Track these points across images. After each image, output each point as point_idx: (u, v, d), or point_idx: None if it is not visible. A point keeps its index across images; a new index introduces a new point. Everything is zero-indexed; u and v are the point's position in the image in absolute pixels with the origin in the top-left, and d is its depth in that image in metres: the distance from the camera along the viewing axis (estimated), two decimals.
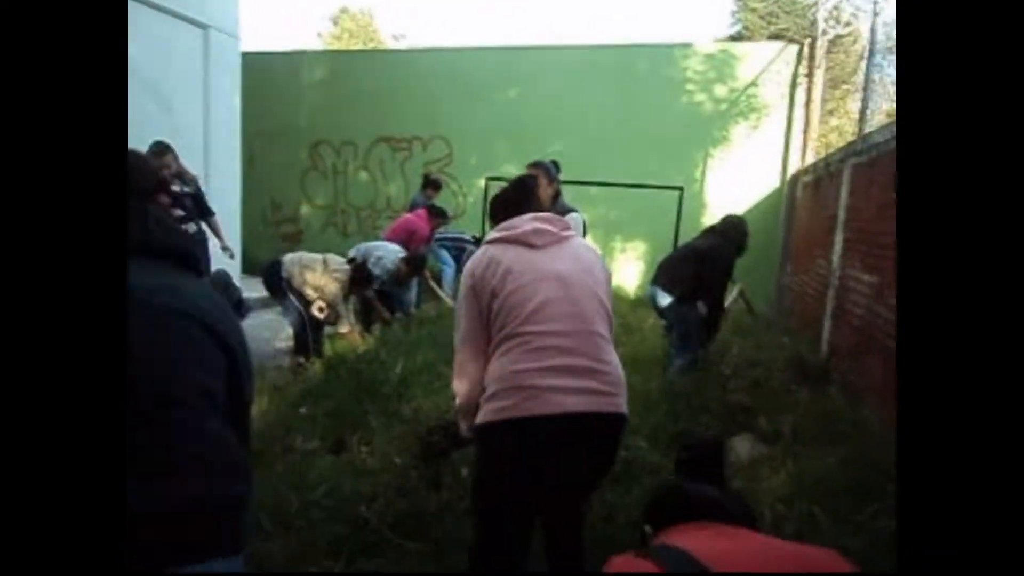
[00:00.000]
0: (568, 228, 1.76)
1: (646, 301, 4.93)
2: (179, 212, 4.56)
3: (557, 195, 3.48)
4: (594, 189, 8.06)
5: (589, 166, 8.00)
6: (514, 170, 9.37)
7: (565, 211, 3.50)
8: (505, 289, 1.58)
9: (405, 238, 5.50)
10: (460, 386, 1.68)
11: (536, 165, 3.33)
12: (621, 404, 1.61)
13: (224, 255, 4.76)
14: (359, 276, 4.65)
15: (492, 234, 1.74)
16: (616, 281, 8.40)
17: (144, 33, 5.73)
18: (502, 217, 1.76)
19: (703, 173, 8.08)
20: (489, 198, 2.05)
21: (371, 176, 9.41)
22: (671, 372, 3.94)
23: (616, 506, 2.39)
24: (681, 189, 6.32)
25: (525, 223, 1.69)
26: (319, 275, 4.47)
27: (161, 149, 4.41)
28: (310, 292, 4.42)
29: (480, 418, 1.59)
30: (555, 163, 3.54)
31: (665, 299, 4.00)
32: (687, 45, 8.10)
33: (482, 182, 7.54)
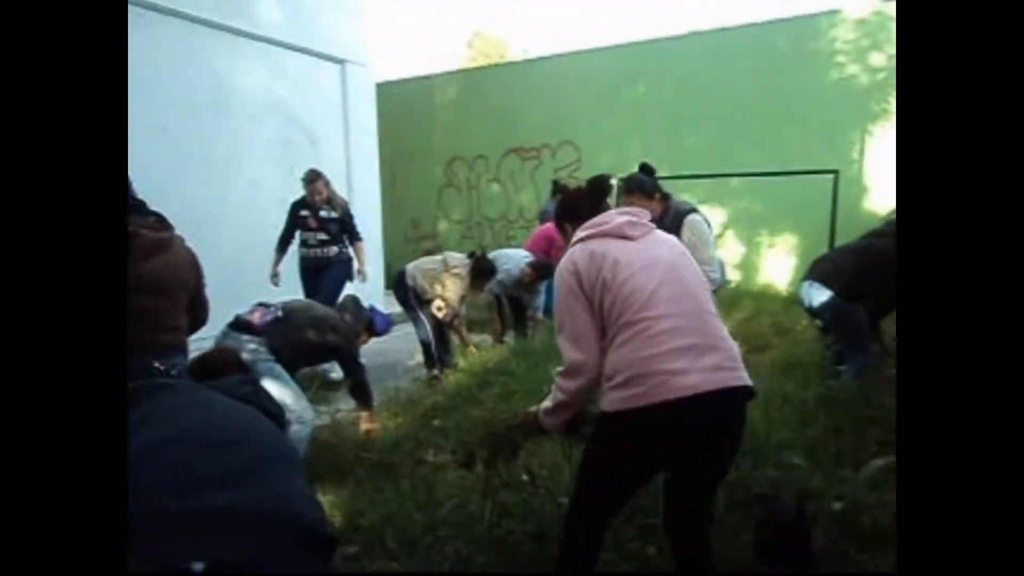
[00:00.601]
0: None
1: (797, 300, 4.41)
2: (322, 236, 4.87)
3: (665, 199, 3.26)
4: (735, 181, 7.53)
5: (729, 157, 7.48)
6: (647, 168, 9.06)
7: (682, 213, 3.23)
8: (618, 279, 1.61)
9: (545, 247, 5.45)
10: (571, 384, 1.70)
11: (627, 181, 3.23)
12: (746, 377, 1.65)
13: (358, 278, 5.02)
14: (480, 269, 4.66)
15: (582, 231, 1.74)
16: (765, 279, 7.76)
17: (288, 72, 6.23)
18: (576, 216, 1.80)
19: (861, 153, 7.20)
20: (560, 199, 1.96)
21: (503, 188, 9.54)
22: (845, 377, 3.41)
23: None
24: (836, 172, 5.65)
25: (615, 217, 1.72)
26: (440, 275, 4.54)
27: (312, 176, 4.78)
28: (433, 293, 4.50)
29: (610, 406, 1.61)
30: (645, 167, 3.29)
31: (821, 295, 3.50)
32: (834, 12, 7.28)
33: (615, 181, 7.31)
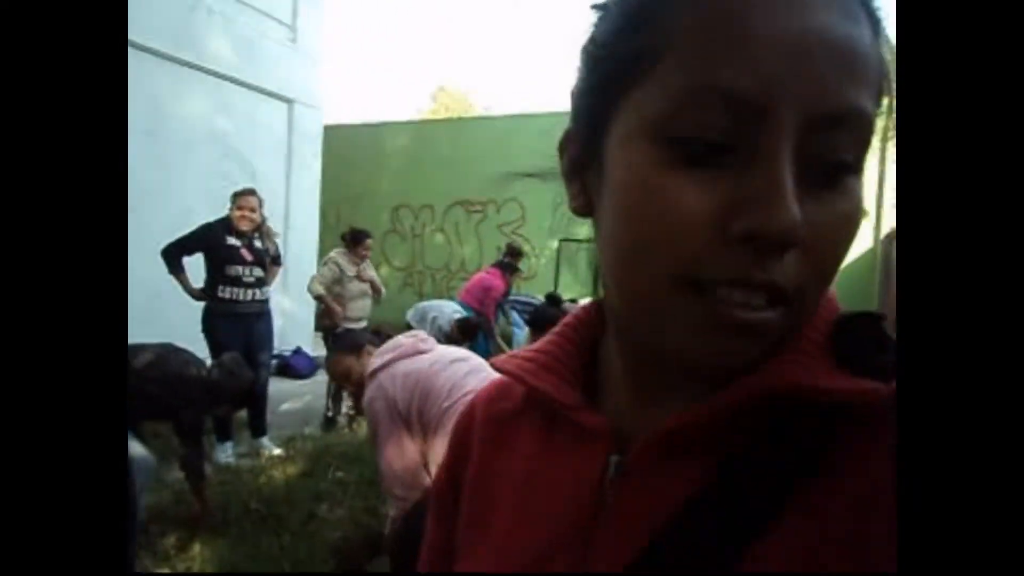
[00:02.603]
0: None
1: None
2: (259, 272, 3.89)
3: None
4: None
5: None
6: (587, 231, 9.24)
7: None
8: None
9: (481, 296, 5.40)
10: None
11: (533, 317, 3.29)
12: None
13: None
14: (465, 328, 4.72)
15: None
16: None
17: (233, 107, 6.18)
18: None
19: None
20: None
21: (447, 238, 9.58)
22: None
23: None
24: None
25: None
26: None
27: (247, 191, 3.94)
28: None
29: None
30: (552, 298, 3.32)
31: None
32: None
33: (555, 243, 7.44)
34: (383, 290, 4.77)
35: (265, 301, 3.98)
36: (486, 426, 0.49)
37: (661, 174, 0.32)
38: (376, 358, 1.76)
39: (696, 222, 0.31)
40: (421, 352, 1.77)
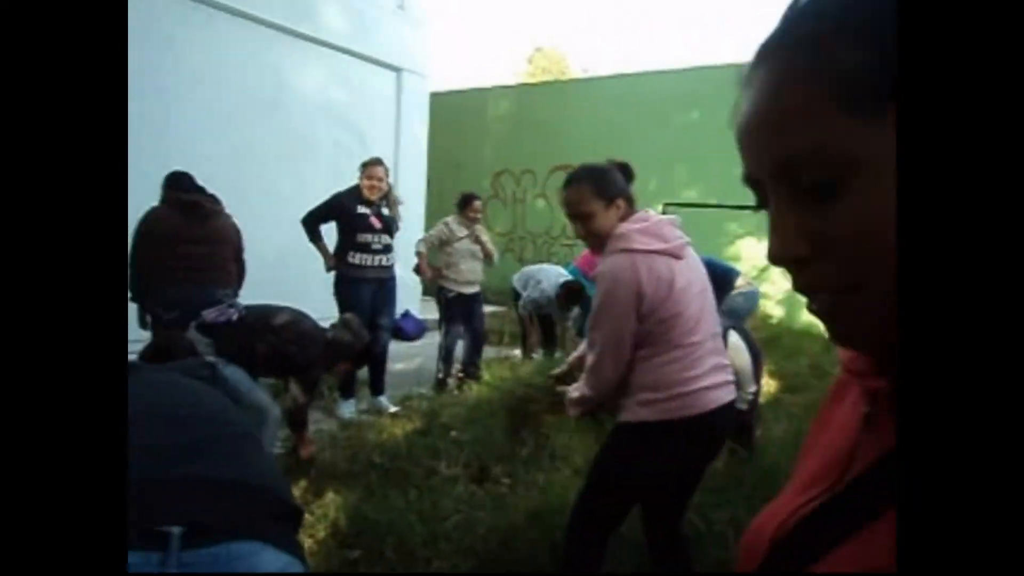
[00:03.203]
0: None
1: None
2: (387, 239, 4.05)
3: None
4: None
5: None
6: (694, 195, 8.94)
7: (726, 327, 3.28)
8: (675, 306, 1.70)
9: (595, 263, 5.40)
10: (601, 384, 1.76)
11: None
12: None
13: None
14: (570, 291, 4.77)
15: (641, 240, 1.71)
16: (808, 318, 7.50)
17: (345, 76, 6.39)
18: (625, 196, 1.81)
19: None
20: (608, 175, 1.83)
21: (548, 204, 9.54)
22: None
23: None
24: None
25: (669, 231, 1.77)
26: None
27: (375, 160, 4.06)
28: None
29: (646, 417, 1.71)
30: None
31: None
32: None
33: (660, 208, 7.23)
34: (494, 254, 4.81)
35: (391, 267, 4.14)
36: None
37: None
38: (647, 239, 1.71)
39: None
40: (679, 258, 1.75)
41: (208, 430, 1.17)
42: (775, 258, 0.43)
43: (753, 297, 4.76)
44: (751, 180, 0.46)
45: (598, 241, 1.75)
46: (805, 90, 0.39)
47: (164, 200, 3.30)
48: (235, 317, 2.88)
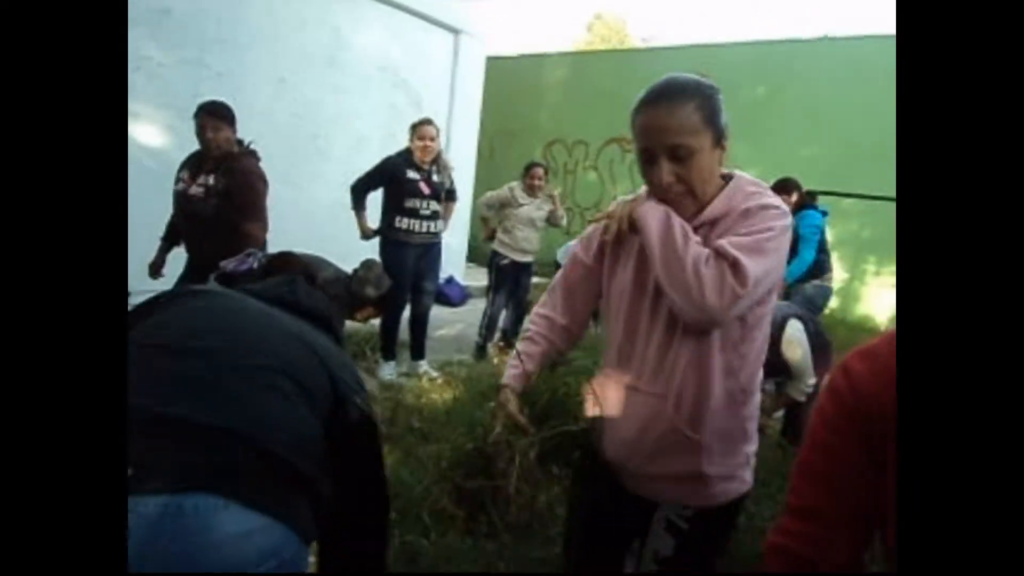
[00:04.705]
0: None
1: None
2: (435, 206, 4.02)
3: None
4: (848, 201, 7.03)
5: (846, 175, 6.99)
6: (756, 174, 8.61)
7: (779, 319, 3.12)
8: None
9: None
10: None
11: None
12: None
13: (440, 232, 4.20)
14: None
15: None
16: (864, 309, 7.24)
17: (402, 36, 6.33)
18: None
19: None
20: None
21: (599, 176, 9.36)
22: None
23: None
24: None
25: None
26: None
27: (426, 120, 4.01)
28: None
29: (750, 479, 1.30)
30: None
31: None
32: None
33: None
34: (563, 217, 4.85)
35: (437, 233, 4.11)
36: None
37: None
38: None
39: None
40: None
41: (217, 366, 1.04)
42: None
43: (828, 292, 4.61)
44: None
45: (688, 192, 1.17)
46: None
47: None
48: (255, 265, 2.83)
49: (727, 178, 1.22)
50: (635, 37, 25.49)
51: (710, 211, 1.18)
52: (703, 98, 1.15)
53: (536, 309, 1.44)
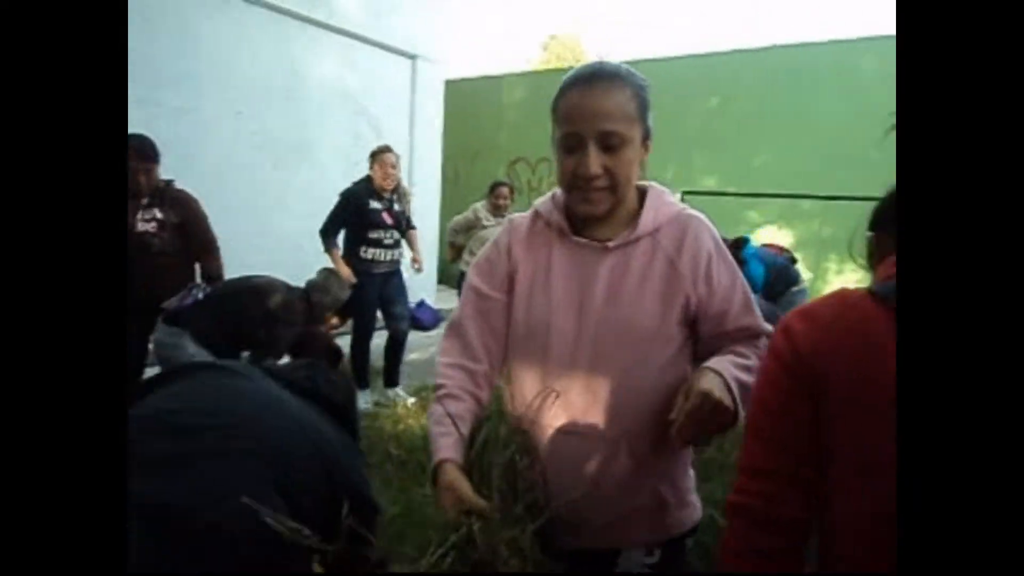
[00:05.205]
0: None
1: None
2: (396, 235, 4.05)
3: None
4: (807, 203, 7.23)
5: (802, 178, 7.19)
6: (713, 183, 8.82)
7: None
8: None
9: None
10: None
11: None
12: None
13: (411, 267, 4.35)
14: None
15: None
16: None
17: (359, 64, 6.35)
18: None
19: None
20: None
21: None
22: None
23: None
24: None
25: None
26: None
27: (385, 147, 4.01)
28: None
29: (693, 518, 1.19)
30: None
31: None
32: None
33: (680, 196, 7.13)
34: None
35: (398, 260, 4.14)
36: None
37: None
38: None
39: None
40: None
41: (192, 445, 1.01)
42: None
43: (805, 293, 4.77)
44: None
45: (611, 188, 1.05)
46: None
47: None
48: (201, 296, 2.72)
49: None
50: (590, 54, 25.97)
51: (646, 222, 1.10)
52: (637, 88, 1.05)
53: (444, 359, 1.19)
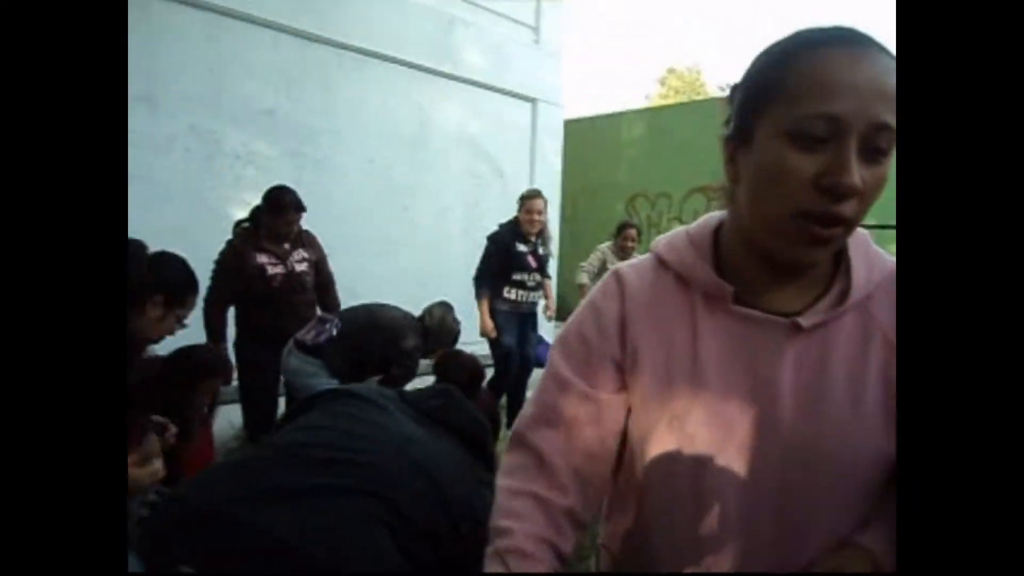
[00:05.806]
0: None
1: None
2: (538, 277, 4.11)
3: None
4: None
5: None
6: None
7: None
8: None
9: None
10: None
11: None
12: None
13: (544, 314, 4.35)
14: None
15: None
16: None
17: (481, 109, 6.62)
18: None
19: None
20: None
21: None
22: None
23: None
24: None
25: None
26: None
27: (535, 192, 4.11)
28: None
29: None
30: None
31: None
32: None
33: None
34: None
35: (536, 303, 4.24)
36: None
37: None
38: None
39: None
40: None
41: (304, 478, 1.05)
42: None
43: None
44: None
45: (848, 224, 0.64)
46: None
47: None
48: (335, 332, 2.85)
49: None
50: (712, 85, 25.42)
51: (858, 285, 0.70)
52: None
53: (506, 482, 0.76)
